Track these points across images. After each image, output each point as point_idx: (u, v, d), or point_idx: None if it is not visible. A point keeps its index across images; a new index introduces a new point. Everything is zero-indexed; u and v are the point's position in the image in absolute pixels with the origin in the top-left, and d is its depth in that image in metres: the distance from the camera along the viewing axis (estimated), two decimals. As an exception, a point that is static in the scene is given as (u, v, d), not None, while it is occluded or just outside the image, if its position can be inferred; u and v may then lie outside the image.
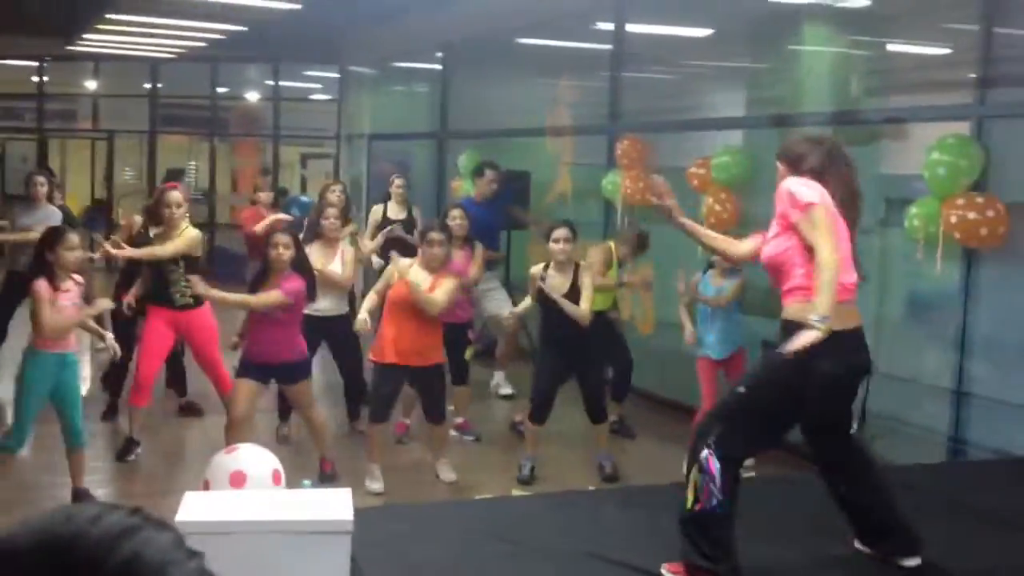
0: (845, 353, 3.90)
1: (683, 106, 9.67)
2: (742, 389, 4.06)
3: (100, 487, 6.44)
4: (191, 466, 6.79)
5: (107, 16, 11.95)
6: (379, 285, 6.62)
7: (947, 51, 7.51)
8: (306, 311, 6.58)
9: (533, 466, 6.80)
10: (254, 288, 6.39)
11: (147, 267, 7.05)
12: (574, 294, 6.58)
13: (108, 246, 6.98)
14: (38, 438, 6.09)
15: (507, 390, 9.00)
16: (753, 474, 6.36)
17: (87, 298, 5.97)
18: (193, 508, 3.67)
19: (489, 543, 4.48)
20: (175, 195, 6.96)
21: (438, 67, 13.27)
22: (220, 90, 17.11)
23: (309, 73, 18.09)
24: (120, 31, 13.05)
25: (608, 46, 9.86)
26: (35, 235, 7.17)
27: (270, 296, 6.23)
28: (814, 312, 3.69)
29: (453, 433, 7.68)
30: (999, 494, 5.15)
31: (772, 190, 4.08)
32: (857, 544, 4.30)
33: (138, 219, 7.64)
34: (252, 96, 18.75)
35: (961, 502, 5.02)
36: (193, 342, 7.19)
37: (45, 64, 16.90)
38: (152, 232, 7.21)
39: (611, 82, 9.74)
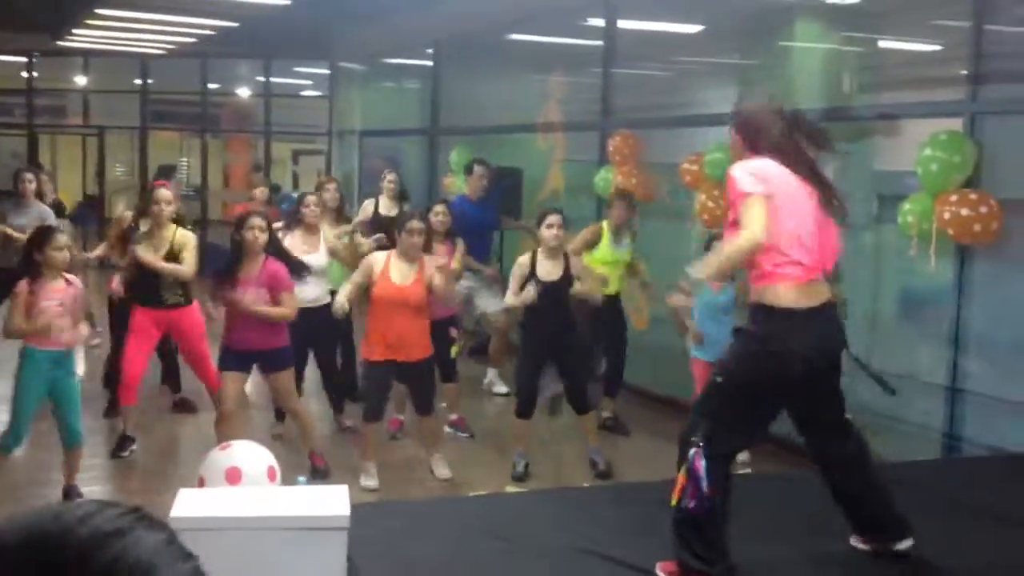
0: (811, 332, 3.90)
1: (675, 102, 9.67)
2: (719, 379, 4.06)
3: (96, 484, 6.42)
4: (186, 463, 6.77)
5: (96, 11, 11.91)
6: (357, 276, 6.57)
7: (939, 47, 7.51)
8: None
9: (527, 463, 6.79)
10: (229, 272, 6.27)
11: (138, 268, 6.99)
12: (565, 281, 6.59)
13: (140, 251, 6.93)
14: (35, 436, 6.06)
15: (501, 388, 8.97)
16: (749, 470, 6.38)
17: (79, 300, 5.93)
18: (188, 504, 3.67)
19: (484, 540, 4.48)
20: (164, 192, 6.96)
21: (429, 63, 13.26)
22: (211, 86, 17.06)
23: (300, 69, 18.07)
24: (110, 26, 13.01)
25: (600, 42, 9.86)
26: (22, 237, 7.21)
27: (295, 300, 6.38)
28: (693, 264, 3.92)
29: (448, 430, 7.69)
30: (994, 490, 5.16)
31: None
32: (853, 541, 4.30)
33: (128, 214, 7.61)
34: (243, 92, 18.71)
35: (956, 499, 5.03)
36: (182, 340, 7.18)
37: (34, 60, 16.84)
38: (141, 227, 7.17)
39: (603, 78, 9.73)
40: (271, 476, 4.34)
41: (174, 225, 6.97)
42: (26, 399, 5.81)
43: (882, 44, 7.80)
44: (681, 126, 9.26)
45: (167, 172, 15.12)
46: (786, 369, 3.86)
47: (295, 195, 11.83)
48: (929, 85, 7.27)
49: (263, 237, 6.24)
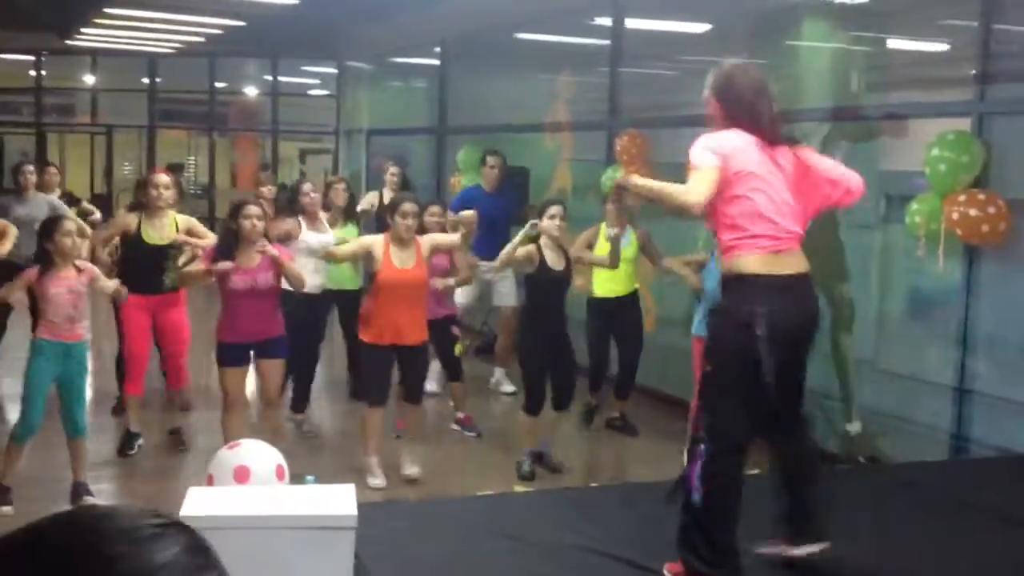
0: (776, 298, 3.86)
1: (682, 102, 9.64)
2: (708, 368, 4.04)
3: (104, 483, 6.43)
4: (193, 461, 6.78)
5: (105, 11, 11.94)
6: (356, 248, 6.62)
7: (947, 47, 7.50)
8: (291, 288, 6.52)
9: (542, 454, 6.79)
10: (223, 260, 6.14)
11: (138, 251, 6.98)
12: (567, 275, 6.64)
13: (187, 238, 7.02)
14: (45, 431, 6.06)
15: (508, 388, 8.93)
16: (757, 471, 6.37)
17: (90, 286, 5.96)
18: (197, 503, 3.67)
19: (491, 539, 4.48)
20: (162, 177, 6.99)
21: (436, 62, 13.26)
22: (219, 85, 17.09)
23: (308, 68, 18.08)
24: (118, 25, 13.03)
25: (607, 41, 9.85)
26: (13, 233, 7.26)
27: (298, 268, 6.44)
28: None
29: (455, 428, 7.69)
30: (1001, 491, 5.16)
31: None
32: (760, 548, 4.16)
33: (132, 217, 7.30)
34: (251, 91, 18.73)
35: (963, 500, 5.03)
36: (165, 329, 7.10)
37: (43, 59, 16.88)
38: (139, 217, 7.07)
39: (610, 78, 9.72)
40: (280, 475, 4.35)
41: (172, 212, 7.02)
42: (36, 390, 5.83)
43: (890, 44, 7.79)
44: (689, 126, 9.22)
45: (175, 170, 15.12)
46: (751, 334, 3.79)
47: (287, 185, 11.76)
48: (937, 85, 7.26)
49: (260, 225, 6.22)
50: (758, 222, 3.89)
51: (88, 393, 6.40)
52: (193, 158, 19.65)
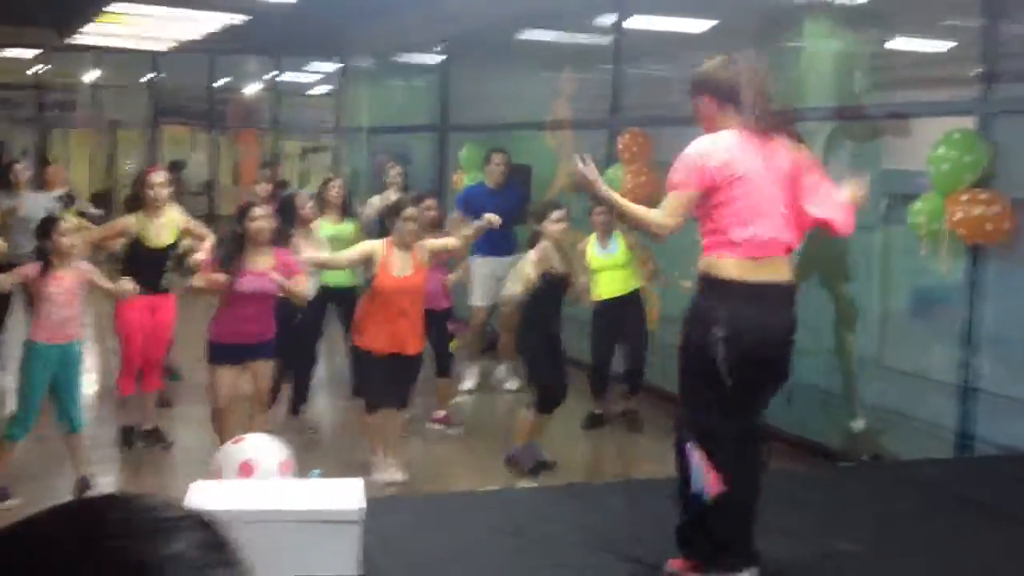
0: (745, 304, 3.82)
1: (685, 100, 9.61)
2: (679, 364, 4.02)
3: (108, 476, 6.43)
4: (197, 456, 6.77)
5: (106, 8, 11.93)
6: (355, 256, 6.53)
7: (951, 46, 7.50)
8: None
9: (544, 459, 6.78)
10: (229, 262, 6.17)
11: (138, 252, 6.97)
12: (568, 276, 6.64)
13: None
14: (39, 428, 6.06)
15: (513, 384, 8.89)
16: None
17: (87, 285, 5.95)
18: (201, 497, 3.67)
19: (495, 535, 4.48)
20: (156, 175, 6.98)
21: (438, 60, 13.25)
22: (220, 82, 17.07)
23: (309, 66, 18.07)
24: (120, 22, 13.02)
25: (609, 39, 9.84)
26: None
27: (306, 283, 6.44)
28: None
29: (436, 427, 7.65)
30: (1006, 490, 5.16)
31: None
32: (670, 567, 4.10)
33: (131, 219, 7.25)
34: (252, 88, 18.72)
35: (968, 498, 5.03)
36: (155, 329, 7.07)
37: (44, 55, 16.86)
38: (135, 217, 7.06)
39: (612, 76, 9.72)
40: (285, 469, 4.35)
41: (171, 211, 7.00)
42: (31, 393, 5.83)
43: (893, 43, 7.77)
44: (691, 124, 9.19)
45: (177, 167, 15.13)
46: (710, 333, 3.77)
47: (304, 192, 11.79)
48: (941, 84, 7.25)
49: (268, 226, 6.21)
50: (738, 228, 3.85)
51: (90, 388, 6.40)
52: (195, 155, 19.62)
